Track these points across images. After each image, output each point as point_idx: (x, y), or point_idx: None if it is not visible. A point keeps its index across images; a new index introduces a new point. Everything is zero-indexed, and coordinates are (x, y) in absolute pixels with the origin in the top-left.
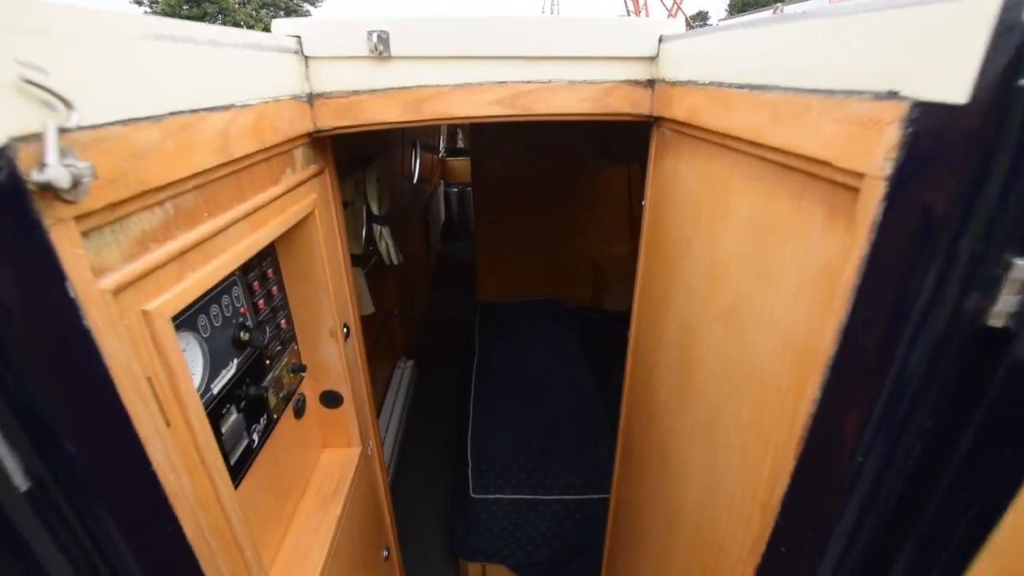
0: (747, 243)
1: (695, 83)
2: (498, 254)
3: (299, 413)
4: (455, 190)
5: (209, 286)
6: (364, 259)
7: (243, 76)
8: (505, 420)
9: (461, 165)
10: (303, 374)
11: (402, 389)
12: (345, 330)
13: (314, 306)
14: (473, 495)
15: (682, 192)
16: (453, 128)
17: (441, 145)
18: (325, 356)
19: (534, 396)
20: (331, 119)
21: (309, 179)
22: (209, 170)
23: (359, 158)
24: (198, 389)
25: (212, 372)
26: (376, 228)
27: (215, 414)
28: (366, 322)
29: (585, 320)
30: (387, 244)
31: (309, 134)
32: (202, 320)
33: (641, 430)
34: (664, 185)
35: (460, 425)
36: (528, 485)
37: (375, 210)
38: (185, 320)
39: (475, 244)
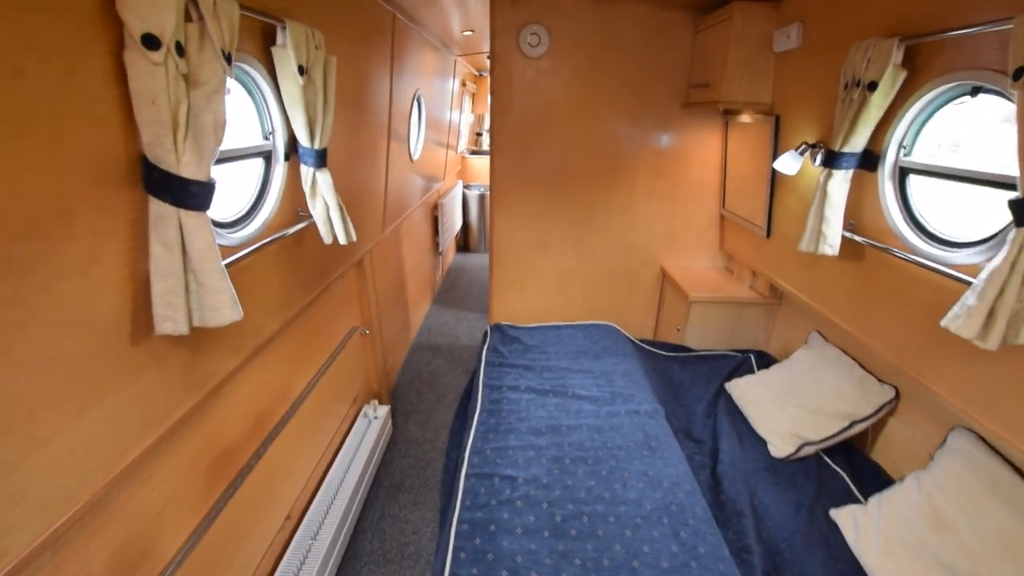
0: None
1: None
2: (522, 249)
3: None
4: (475, 192)
5: None
6: (279, 224)
7: None
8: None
9: (484, 166)
10: None
11: (362, 453)
12: None
13: None
14: None
15: None
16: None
17: (462, 142)
18: None
19: (582, 510)
20: None
21: None
22: None
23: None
24: None
25: None
26: (306, 172)
27: None
28: (286, 340)
29: (659, 361)
30: (326, 205)
31: None
32: None
33: None
34: None
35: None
36: None
37: (301, 137)
38: None
39: (490, 232)
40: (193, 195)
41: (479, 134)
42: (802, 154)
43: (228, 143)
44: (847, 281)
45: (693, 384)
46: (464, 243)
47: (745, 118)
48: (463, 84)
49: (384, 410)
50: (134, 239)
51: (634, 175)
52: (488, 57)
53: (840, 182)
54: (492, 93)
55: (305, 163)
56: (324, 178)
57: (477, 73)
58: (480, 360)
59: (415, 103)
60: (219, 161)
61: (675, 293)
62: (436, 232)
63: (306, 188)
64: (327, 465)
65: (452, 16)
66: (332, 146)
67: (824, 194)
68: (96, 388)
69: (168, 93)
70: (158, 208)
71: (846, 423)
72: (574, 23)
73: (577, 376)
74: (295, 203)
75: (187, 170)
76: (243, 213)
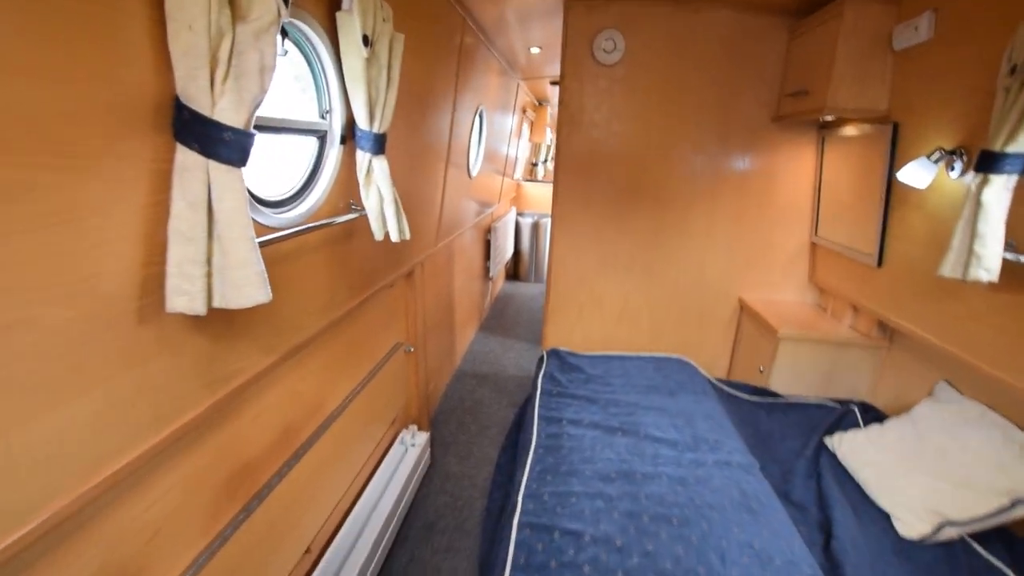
0: None
1: None
2: (583, 272)
3: None
4: (529, 220)
5: None
6: (335, 207)
7: None
8: None
9: (539, 195)
10: None
11: (396, 484)
12: None
13: None
14: None
15: None
16: (535, 156)
17: (519, 169)
18: None
19: None
20: None
21: None
22: None
23: None
24: None
25: None
26: (363, 158)
27: None
28: (325, 346)
29: (740, 405)
30: (380, 197)
31: None
32: None
33: None
34: None
35: None
36: None
37: (360, 118)
38: None
39: (549, 252)
40: (226, 144)
41: (535, 164)
42: (936, 162)
43: (281, 112)
44: (1002, 317)
45: (784, 436)
46: (514, 271)
47: (849, 130)
48: (523, 111)
49: (423, 437)
50: (156, 194)
51: (712, 196)
52: (552, 83)
53: (1000, 190)
54: (560, 104)
55: (362, 148)
56: (381, 165)
57: (537, 103)
58: (535, 387)
59: (476, 117)
60: (269, 130)
61: (757, 328)
62: (487, 256)
63: (360, 176)
64: (356, 493)
65: (521, 28)
66: (392, 139)
67: (978, 205)
68: (82, 371)
69: (209, 19)
70: (184, 157)
71: (1005, 501)
72: (653, 28)
73: (649, 414)
74: (347, 193)
75: (223, 115)
76: (289, 195)
